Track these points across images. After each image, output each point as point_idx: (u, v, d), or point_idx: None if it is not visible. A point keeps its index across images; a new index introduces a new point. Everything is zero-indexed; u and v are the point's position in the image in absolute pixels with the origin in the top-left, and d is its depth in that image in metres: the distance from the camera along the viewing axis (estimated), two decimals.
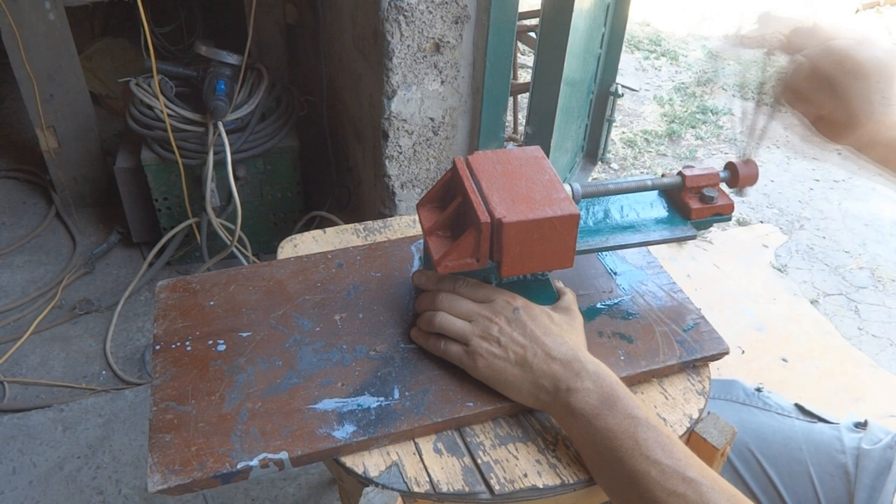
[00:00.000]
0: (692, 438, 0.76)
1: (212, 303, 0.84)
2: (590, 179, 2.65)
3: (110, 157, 2.27)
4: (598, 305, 0.87)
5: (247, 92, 1.99)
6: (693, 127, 3.28)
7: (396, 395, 0.74)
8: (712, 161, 3.04)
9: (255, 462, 0.67)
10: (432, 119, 1.72)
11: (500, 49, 1.65)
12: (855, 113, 0.80)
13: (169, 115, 1.91)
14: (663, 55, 3.98)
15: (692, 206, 0.83)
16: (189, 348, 0.78)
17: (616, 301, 0.88)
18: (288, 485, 1.54)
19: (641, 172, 2.92)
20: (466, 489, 0.68)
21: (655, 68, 3.85)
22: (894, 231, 2.67)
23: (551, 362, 0.70)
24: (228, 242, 2.03)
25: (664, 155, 3.07)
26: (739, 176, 0.85)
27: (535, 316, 0.74)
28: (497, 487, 0.68)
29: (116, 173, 2.07)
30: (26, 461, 1.58)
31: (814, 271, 2.43)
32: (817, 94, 0.82)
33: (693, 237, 0.84)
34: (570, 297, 0.81)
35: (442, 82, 1.67)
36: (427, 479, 0.68)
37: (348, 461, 0.70)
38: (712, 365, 0.84)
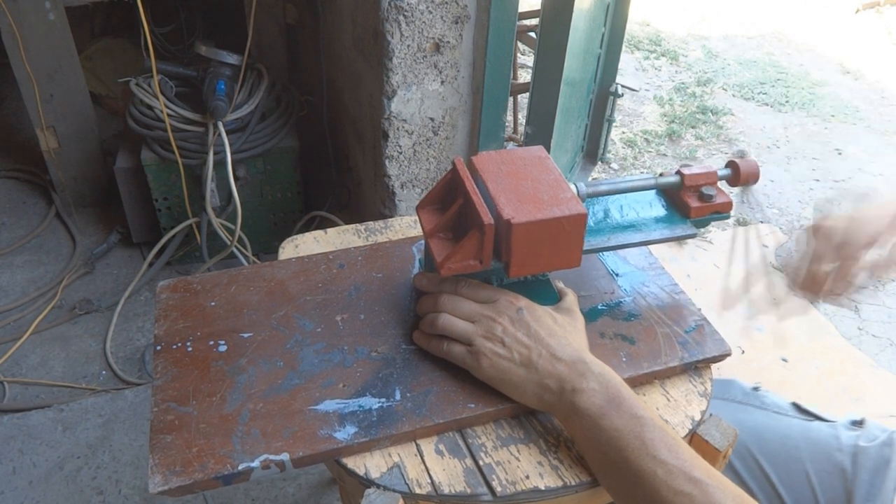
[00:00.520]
0: (694, 440, 0.76)
1: (213, 303, 0.84)
2: (589, 179, 2.65)
3: (110, 157, 2.26)
4: (600, 306, 0.87)
5: (247, 92, 1.99)
6: (693, 127, 3.28)
7: (398, 397, 0.74)
8: (712, 161, 3.04)
9: (256, 463, 0.67)
10: (432, 119, 1.72)
11: (500, 49, 1.65)
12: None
13: (169, 115, 1.91)
14: (663, 55, 3.98)
15: (691, 204, 0.83)
16: (190, 349, 0.78)
17: (618, 302, 0.88)
18: (288, 485, 1.54)
19: (641, 172, 2.92)
20: (468, 491, 0.67)
21: (655, 68, 3.85)
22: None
23: (556, 363, 0.70)
24: (228, 242, 2.03)
25: (664, 155, 3.07)
26: (741, 173, 0.84)
27: (539, 317, 0.74)
28: (499, 489, 0.68)
29: (116, 173, 2.06)
30: (26, 461, 1.58)
31: None
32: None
33: (693, 236, 0.84)
34: (571, 298, 0.81)
35: (442, 82, 1.67)
36: (429, 480, 0.68)
37: (349, 462, 0.70)
38: (712, 364, 0.84)
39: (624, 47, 2.73)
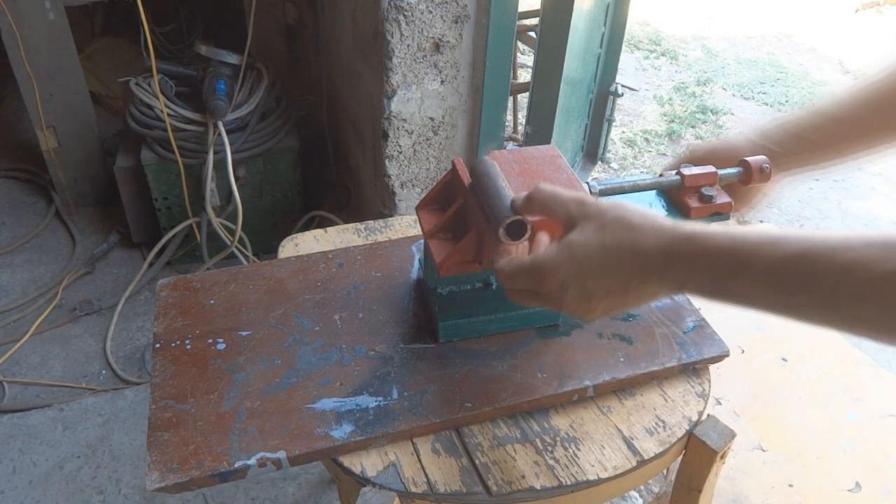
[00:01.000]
0: (691, 441, 0.76)
1: (212, 301, 0.84)
2: (589, 179, 2.65)
3: (110, 157, 2.27)
4: None
5: (247, 91, 1.99)
6: (693, 126, 3.28)
7: (395, 396, 0.74)
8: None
9: (252, 461, 0.67)
10: (432, 119, 1.72)
11: (500, 49, 1.65)
12: None
13: (169, 115, 1.91)
14: (663, 55, 3.98)
15: (691, 205, 0.83)
16: (189, 347, 0.78)
17: None
18: (288, 484, 1.54)
19: (641, 172, 2.92)
20: (464, 490, 0.68)
21: (655, 68, 3.85)
22: (894, 231, 2.67)
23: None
24: (228, 242, 2.03)
25: (664, 154, 3.07)
26: (753, 173, 0.84)
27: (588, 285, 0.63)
28: (494, 488, 0.68)
29: (116, 173, 2.07)
30: (26, 461, 1.58)
31: None
32: None
33: None
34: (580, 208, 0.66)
35: (442, 82, 1.67)
36: (425, 479, 0.68)
37: (346, 461, 0.70)
38: (711, 365, 0.84)
39: (624, 47, 2.73)
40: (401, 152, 1.74)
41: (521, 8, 1.78)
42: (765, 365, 1.95)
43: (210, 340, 0.79)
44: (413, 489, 0.67)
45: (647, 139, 3.16)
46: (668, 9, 4.59)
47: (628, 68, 3.78)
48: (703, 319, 0.86)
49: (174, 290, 0.86)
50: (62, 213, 2.34)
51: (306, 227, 2.22)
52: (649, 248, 0.59)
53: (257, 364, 0.77)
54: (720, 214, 0.84)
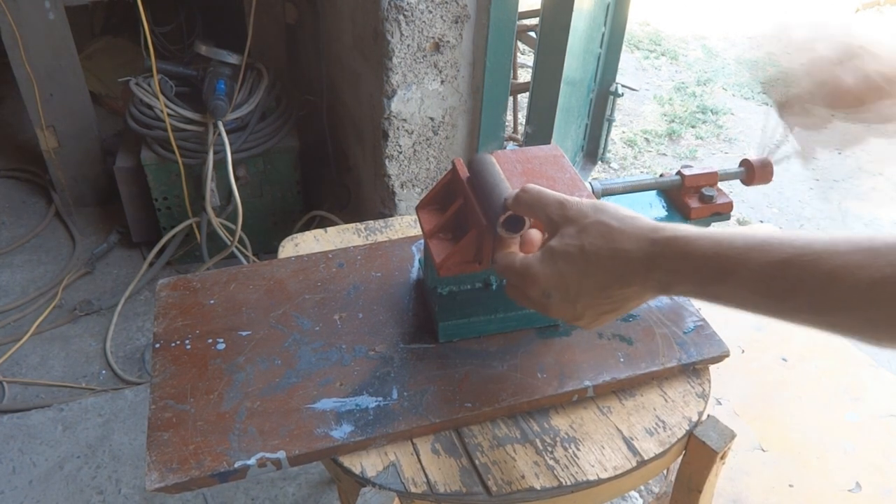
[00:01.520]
0: (691, 441, 0.76)
1: (212, 301, 0.84)
2: (590, 179, 2.65)
3: (110, 157, 2.26)
4: None
5: (247, 91, 1.99)
6: (693, 126, 3.28)
7: (395, 396, 0.74)
8: (712, 161, 3.04)
9: (252, 461, 0.67)
10: (432, 119, 1.72)
11: (500, 49, 1.65)
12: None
13: (169, 115, 1.91)
14: (663, 55, 3.98)
15: (691, 205, 0.83)
16: (189, 347, 0.78)
17: None
18: (288, 484, 1.54)
19: (641, 172, 2.92)
20: (464, 490, 0.68)
21: (655, 68, 3.85)
22: (894, 231, 2.67)
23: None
24: (228, 242, 2.03)
25: (664, 154, 3.07)
26: (756, 172, 0.84)
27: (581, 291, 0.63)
28: (494, 489, 0.68)
29: (116, 173, 2.06)
30: (26, 461, 1.58)
31: None
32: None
33: None
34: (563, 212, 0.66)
35: (442, 82, 1.67)
36: (424, 479, 0.68)
37: (346, 461, 0.70)
38: (711, 365, 0.84)
39: (624, 47, 2.73)
40: (401, 152, 1.74)
41: (521, 8, 1.78)
42: (765, 365, 1.95)
43: (210, 340, 0.79)
44: (413, 489, 0.67)
45: (647, 139, 3.16)
46: (668, 9, 4.59)
47: (628, 68, 3.78)
48: (704, 320, 0.86)
49: (174, 290, 0.86)
50: (62, 213, 2.34)
51: (306, 227, 2.22)
52: (629, 252, 0.59)
53: (257, 364, 0.77)
54: (720, 214, 0.84)
